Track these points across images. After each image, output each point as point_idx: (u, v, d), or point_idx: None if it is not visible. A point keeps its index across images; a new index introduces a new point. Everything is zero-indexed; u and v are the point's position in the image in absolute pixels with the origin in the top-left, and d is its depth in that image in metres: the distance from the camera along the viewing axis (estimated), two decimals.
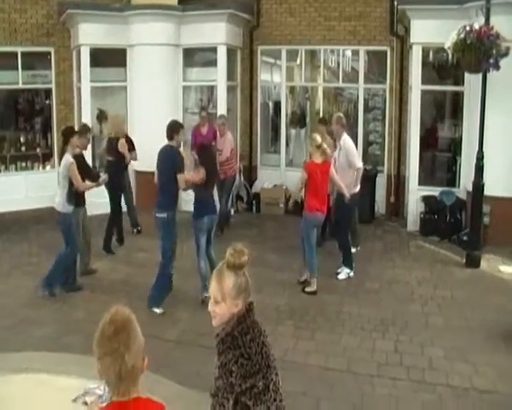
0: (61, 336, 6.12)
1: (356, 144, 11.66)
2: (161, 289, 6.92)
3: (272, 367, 2.59)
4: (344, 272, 8.10)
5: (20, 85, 11.95)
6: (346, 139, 8.37)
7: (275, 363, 2.63)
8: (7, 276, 8.13)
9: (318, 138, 7.49)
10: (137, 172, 11.06)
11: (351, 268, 8.10)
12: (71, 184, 7.22)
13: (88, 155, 10.73)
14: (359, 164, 8.28)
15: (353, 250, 8.57)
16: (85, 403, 3.72)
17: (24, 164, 12.19)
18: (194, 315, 6.72)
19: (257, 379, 2.51)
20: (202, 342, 5.86)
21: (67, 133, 7.49)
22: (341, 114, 8.83)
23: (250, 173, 12.57)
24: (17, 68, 11.69)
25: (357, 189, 8.29)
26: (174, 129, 7.12)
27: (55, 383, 4.13)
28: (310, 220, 7.49)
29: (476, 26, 8.11)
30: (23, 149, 12.28)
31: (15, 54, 11.60)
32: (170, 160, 6.94)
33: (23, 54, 11.72)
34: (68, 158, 7.20)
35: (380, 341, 6.17)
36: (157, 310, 6.80)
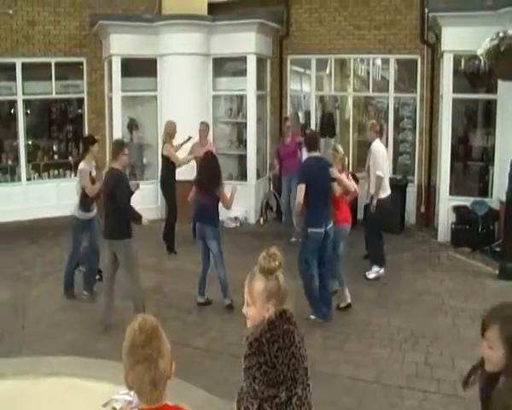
0: (92, 342, 6.19)
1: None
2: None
3: (299, 381, 2.56)
4: (373, 271, 8.10)
5: (54, 95, 12.22)
6: (375, 144, 8.51)
7: (305, 378, 2.60)
8: (39, 281, 8.27)
9: (340, 149, 7.36)
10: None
11: (380, 265, 8.05)
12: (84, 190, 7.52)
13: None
14: (379, 172, 8.27)
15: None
16: (115, 409, 3.75)
17: (56, 172, 12.43)
18: (224, 324, 6.73)
19: (280, 390, 2.49)
20: (231, 350, 5.88)
21: (87, 142, 7.78)
22: (375, 121, 9.17)
23: (279, 182, 12.53)
24: (51, 79, 11.97)
25: (382, 196, 8.29)
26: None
27: (85, 388, 4.18)
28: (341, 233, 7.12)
29: (510, 32, 7.95)
30: (56, 157, 12.54)
31: (49, 64, 11.89)
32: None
33: (56, 64, 12.00)
34: (81, 165, 7.56)
35: (410, 352, 6.09)
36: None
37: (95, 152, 7.68)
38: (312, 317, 6.81)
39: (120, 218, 6.41)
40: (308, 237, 6.71)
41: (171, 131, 9.77)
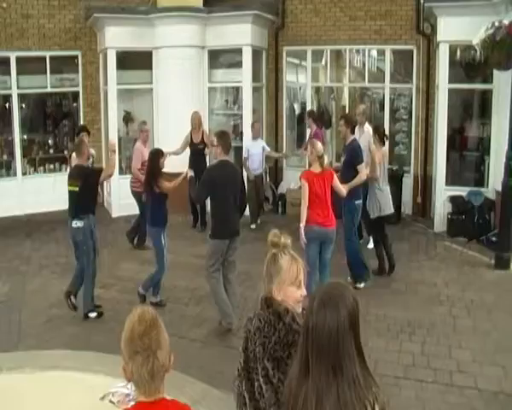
0: (89, 335, 6.21)
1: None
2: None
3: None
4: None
5: (49, 89, 12.16)
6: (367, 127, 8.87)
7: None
8: (36, 275, 8.28)
9: (320, 147, 6.86)
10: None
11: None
12: None
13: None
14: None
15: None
16: (112, 402, 3.76)
17: (52, 166, 12.39)
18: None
19: None
20: (228, 342, 5.90)
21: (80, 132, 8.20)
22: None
23: (276, 174, 12.55)
24: (45, 72, 11.91)
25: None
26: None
27: (83, 381, 4.18)
28: (306, 234, 6.67)
29: (506, 22, 7.94)
30: (51, 151, 12.52)
31: (44, 58, 11.82)
32: None
33: (51, 58, 11.93)
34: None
35: (406, 343, 6.11)
36: None
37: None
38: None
39: None
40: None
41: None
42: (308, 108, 12.46)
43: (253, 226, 10.65)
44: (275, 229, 2.83)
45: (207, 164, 10.28)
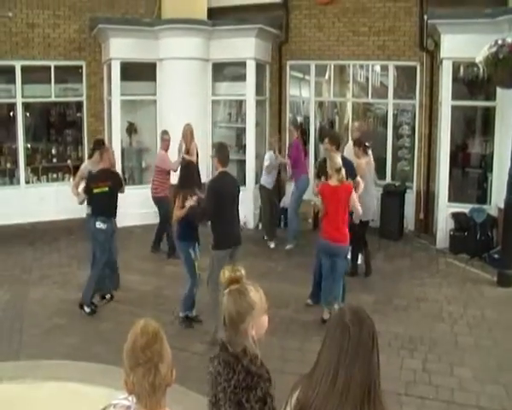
0: (90, 346, 6.18)
1: (384, 160, 11.71)
2: None
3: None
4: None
5: (53, 98, 12.23)
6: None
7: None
8: (37, 285, 8.25)
9: (339, 160, 6.85)
10: None
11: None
12: None
13: (118, 167, 11.02)
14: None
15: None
16: None
17: (55, 175, 12.41)
18: (222, 329, 6.70)
19: None
20: None
21: (94, 144, 8.46)
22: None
23: (278, 188, 12.54)
24: (50, 82, 11.97)
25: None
26: None
27: (83, 393, 4.17)
28: (317, 245, 6.93)
29: (509, 40, 7.95)
30: (54, 160, 12.52)
31: (49, 68, 11.89)
32: None
33: (56, 67, 12.00)
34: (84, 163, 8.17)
35: (408, 359, 6.08)
36: None
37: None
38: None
39: None
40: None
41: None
42: (311, 122, 12.51)
43: (272, 246, 10.29)
44: (226, 265, 2.78)
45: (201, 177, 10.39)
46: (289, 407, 2.23)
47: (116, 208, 7.43)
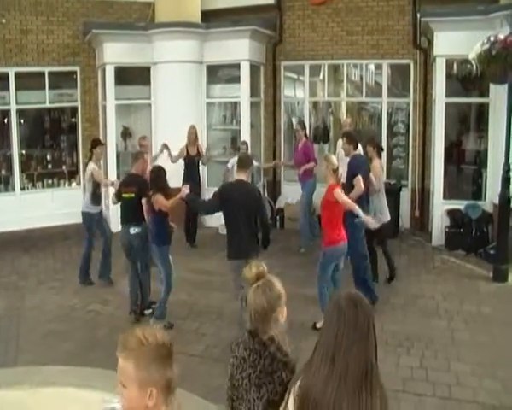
0: (87, 352, 6.17)
1: (380, 158, 11.70)
2: None
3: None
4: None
5: (47, 104, 12.22)
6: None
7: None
8: (33, 291, 8.25)
9: (335, 160, 6.75)
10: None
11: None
12: (96, 186, 8.33)
13: (113, 171, 11.05)
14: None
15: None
16: None
17: (50, 181, 12.42)
18: (219, 331, 6.73)
19: None
20: (226, 357, 5.85)
21: (92, 145, 8.63)
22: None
23: (274, 189, 12.56)
24: (44, 88, 11.97)
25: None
26: None
27: (81, 398, 4.16)
28: (332, 253, 6.69)
29: (501, 37, 7.99)
30: (49, 166, 12.52)
31: (43, 74, 11.88)
32: None
33: (50, 74, 11.99)
34: (90, 165, 8.35)
35: (405, 356, 6.09)
36: None
37: (98, 154, 8.55)
38: None
39: None
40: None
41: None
42: (306, 122, 12.50)
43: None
44: (251, 262, 2.92)
45: (201, 176, 10.78)
46: (292, 395, 2.30)
47: (143, 213, 7.34)
